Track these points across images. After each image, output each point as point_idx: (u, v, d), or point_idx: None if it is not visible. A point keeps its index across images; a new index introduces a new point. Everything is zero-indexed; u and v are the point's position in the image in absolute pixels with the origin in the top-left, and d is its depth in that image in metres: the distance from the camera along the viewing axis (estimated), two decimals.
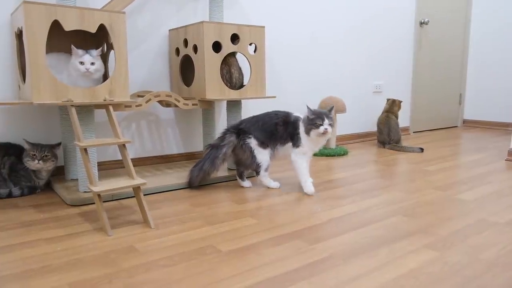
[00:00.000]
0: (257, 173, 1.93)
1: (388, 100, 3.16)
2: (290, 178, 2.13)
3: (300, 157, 1.85)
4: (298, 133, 1.83)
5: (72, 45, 1.68)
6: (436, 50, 3.98)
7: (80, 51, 1.65)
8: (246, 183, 1.99)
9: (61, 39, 1.87)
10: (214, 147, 1.89)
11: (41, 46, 1.55)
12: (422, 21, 3.76)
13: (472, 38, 4.28)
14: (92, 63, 1.66)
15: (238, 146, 1.89)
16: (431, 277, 1.07)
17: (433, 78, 4.02)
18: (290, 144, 1.87)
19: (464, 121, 4.42)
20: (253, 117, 1.94)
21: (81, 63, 1.65)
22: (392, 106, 3.12)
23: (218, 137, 1.93)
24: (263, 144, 1.88)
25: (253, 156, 1.88)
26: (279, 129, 1.87)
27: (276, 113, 1.90)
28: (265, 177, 1.94)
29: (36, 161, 1.76)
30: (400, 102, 3.15)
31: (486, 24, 4.16)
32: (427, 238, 1.33)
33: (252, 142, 1.88)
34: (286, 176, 2.18)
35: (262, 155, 1.89)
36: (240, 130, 1.90)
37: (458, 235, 1.36)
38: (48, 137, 2.01)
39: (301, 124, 1.83)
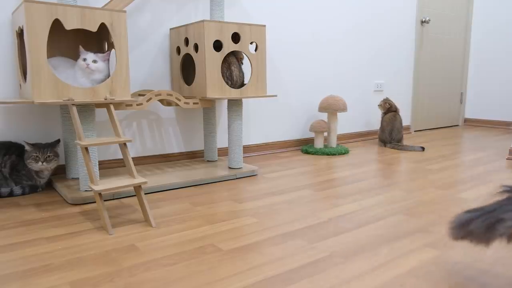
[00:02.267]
0: None
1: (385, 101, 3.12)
2: (286, 176, 2.13)
3: None
4: None
5: (80, 46, 1.70)
6: (437, 49, 3.97)
7: (85, 51, 1.69)
8: None
9: (62, 42, 1.88)
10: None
11: (42, 45, 1.55)
12: (423, 19, 3.75)
13: (473, 36, 4.27)
14: (94, 61, 1.67)
15: None
16: (432, 276, 1.07)
17: (434, 77, 4.01)
18: None
19: (465, 120, 4.42)
20: None
21: (84, 59, 1.67)
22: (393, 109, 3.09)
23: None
24: None
25: None
26: None
27: None
28: None
29: (40, 162, 1.77)
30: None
31: (487, 22, 4.15)
32: (428, 237, 1.33)
33: None
34: (285, 175, 2.18)
35: None
36: None
37: None
38: (49, 136, 2.01)
39: None
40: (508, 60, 4.02)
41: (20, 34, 1.72)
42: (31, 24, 1.52)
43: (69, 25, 1.59)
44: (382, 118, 3.10)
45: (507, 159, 2.58)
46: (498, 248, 1.24)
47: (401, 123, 3.04)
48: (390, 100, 3.10)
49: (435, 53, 3.96)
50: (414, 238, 1.33)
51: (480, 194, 1.82)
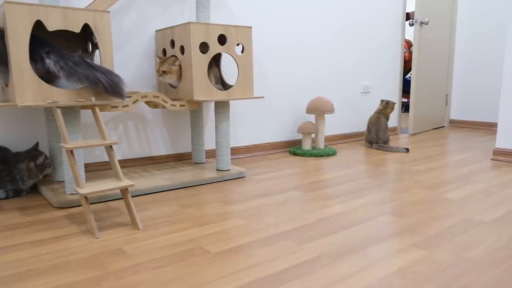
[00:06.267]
0: None
1: (382, 101, 3.17)
2: (275, 178, 2.13)
3: None
4: None
5: None
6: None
7: None
8: None
9: None
10: None
11: (24, 46, 1.52)
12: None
13: (458, 38, 4.33)
14: None
15: None
16: (419, 276, 1.08)
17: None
18: None
19: (451, 121, 4.47)
20: None
21: None
22: (386, 108, 3.13)
23: None
24: None
25: None
26: None
27: None
28: None
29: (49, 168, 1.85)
30: (393, 103, 3.17)
31: (472, 24, 4.22)
32: (414, 237, 1.34)
33: None
34: (273, 176, 2.18)
35: None
36: None
37: (445, 234, 1.37)
38: (33, 139, 1.97)
39: None
40: (493, 61, 4.09)
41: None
42: (12, 26, 1.49)
43: (51, 26, 1.57)
44: (369, 119, 3.13)
45: (491, 159, 2.61)
46: (483, 248, 1.26)
47: (386, 124, 3.07)
48: (388, 100, 3.17)
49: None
50: (401, 238, 1.34)
51: (465, 194, 1.84)
